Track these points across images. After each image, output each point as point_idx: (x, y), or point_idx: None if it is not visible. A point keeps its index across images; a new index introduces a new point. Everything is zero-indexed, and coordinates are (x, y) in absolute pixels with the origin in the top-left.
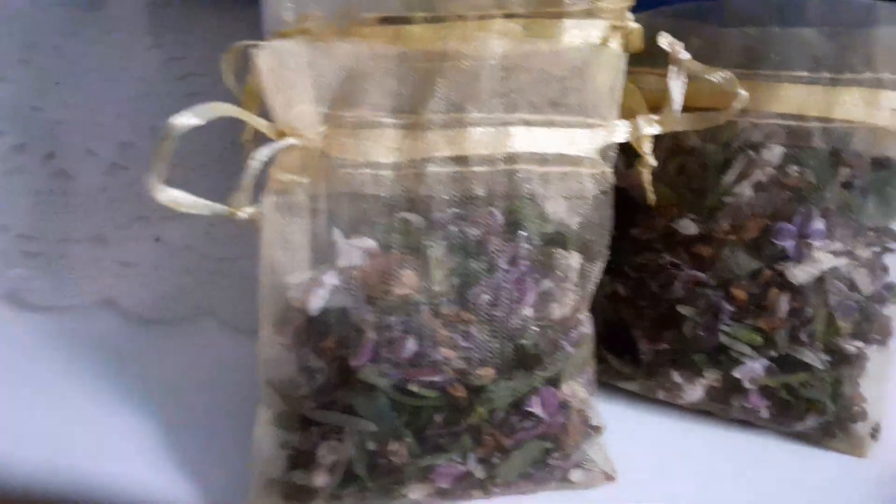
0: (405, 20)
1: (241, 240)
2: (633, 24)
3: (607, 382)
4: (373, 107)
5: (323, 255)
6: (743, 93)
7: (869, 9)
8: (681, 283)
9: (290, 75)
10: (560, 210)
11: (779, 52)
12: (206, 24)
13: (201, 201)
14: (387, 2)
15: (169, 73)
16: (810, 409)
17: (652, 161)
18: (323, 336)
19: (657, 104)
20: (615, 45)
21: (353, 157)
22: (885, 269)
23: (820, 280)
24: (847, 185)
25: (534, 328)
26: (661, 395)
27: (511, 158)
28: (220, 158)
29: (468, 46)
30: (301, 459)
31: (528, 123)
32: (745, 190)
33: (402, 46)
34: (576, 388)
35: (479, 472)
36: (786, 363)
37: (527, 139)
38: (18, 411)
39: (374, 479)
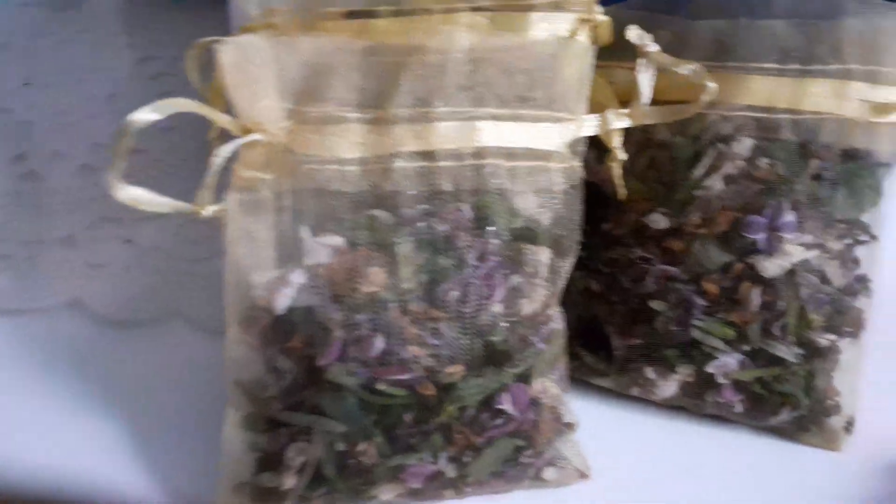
0: (371, 14)
1: (212, 240)
2: (602, 17)
3: (581, 379)
4: (338, 102)
5: (289, 253)
6: (711, 85)
7: (836, 0)
8: (652, 278)
9: (254, 70)
10: (529, 205)
11: (747, 44)
12: (180, 23)
13: (163, 199)
14: None
15: (142, 73)
16: (784, 403)
17: (622, 155)
18: (290, 335)
19: (627, 98)
20: (583, 38)
21: (318, 152)
22: (856, 262)
23: (791, 273)
24: (817, 178)
25: (503, 324)
26: (634, 391)
27: (479, 153)
28: (193, 159)
29: (434, 40)
30: (269, 461)
31: (495, 117)
32: (716, 183)
33: (367, 40)
34: (547, 385)
35: (451, 472)
36: (759, 357)
37: (494, 133)
38: None
39: (343, 480)
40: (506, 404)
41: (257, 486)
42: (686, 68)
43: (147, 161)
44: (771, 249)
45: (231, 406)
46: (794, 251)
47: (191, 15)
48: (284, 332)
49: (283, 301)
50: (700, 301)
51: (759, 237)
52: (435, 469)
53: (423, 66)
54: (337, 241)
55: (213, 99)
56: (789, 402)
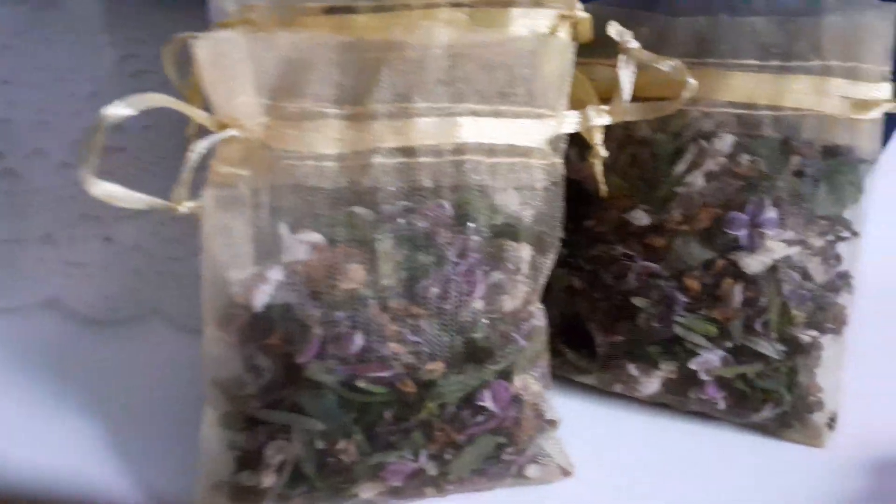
0: (350, 10)
1: (192, 239)
2: (582, 14)
3: (564, 376)
4: (316, 97)
5: (267, 250)
6: (692, 81)
7: None
8: (634, 275)
9: (230, 66)
10: (510, 201)
11: (728, 40)
12: (161, 22)
13: (138, 195)
14: None
15: (122, 71)
16: (767, 399)
17: (603, 152)
18: (268, 333)
19: (608, 95)
20: (564, 34)
21: (295, 148)
22: (838, 258)
23: (773, 269)
24: (798, 174)
25: (484, 321)
26: (617, 388)
27: (459, 149)
28: (172, 157)
29: (413, 36)
30: (248, 460)
31: (475, 113)
32: (697, 179)
33: (346, 36)
34: (528, 382)
35: (432, 469)
36: (741, 354)
37: (475, 129)
38: None
39: (323, 478)
40: (487, 401)
41: (236, 484)
42: (666, 65)
43: (126, 159)
44: (753, 246)
45: (209, 405)
46: (775, 247)
47: (172, 13)
48: (262, 330)
49: (261, 298)
50: (682, 298)
51: (741, 234)
52: (416, 467)
53: (403, 62)
54: (315, 237)
55: (191, 95)
56: (772, 398)
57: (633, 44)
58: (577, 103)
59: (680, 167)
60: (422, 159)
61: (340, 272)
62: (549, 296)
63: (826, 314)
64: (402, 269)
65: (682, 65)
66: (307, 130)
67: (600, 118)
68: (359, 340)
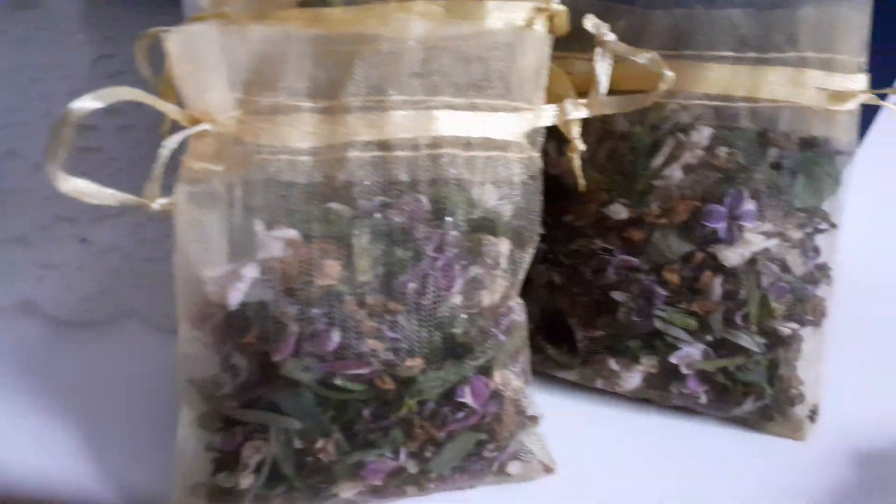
0: (323, 2)
1: (168, 240)
2: (558, 7)
3: (545, 372)
4: (289, 91)
5: (241, 247)
6: (668, 73)
7: None
8: (613, 269)
9: (202, 60)
10: (488, 196)
11: (704, 32)
12: (137, 22)
13: (108, 191)
14: None
15: (98, 71)
16: (748, 392)
17: (581, 146)
18: (243, 331)
19: (585, 89)
20: (540, 27)
21: (269, 142)
22: (816, 250)
23: (752, 262)
24: (776, 166)
25: (463, 316)
26: (599, 383)
27: (435, 143)
28: (149, 157)
29: (387, 28)
30: (226, 461)
31: (451, 106)
32: (675, 172)
33: (320, 29)
34: (509, 377)
35: (412, 467)
36: (722, 347)
37: (451, 122)
38: None
39: (302, 478)
40: (467, 397)
41: (213, 486)
42: (643, 57)
43: (102, 160)
44: (731, 238)
45: (185, 405)
46: (754, 240)
47: (148, 13)
48: (238, 328)
49: (235, 296)
50: (661, 291)
51: (720, 226)
52: (396, 465)
53: (377, 55)
54: (291, 233)
55: (165, 91)
56: (753, 391)
57: (610, 36)
58: (554, 97)
59: (658, 160)
60: (398, 153)
61: (316, 268)
62: (530, 292)
63: (805, 306)
64: (380, 265)
65: (658, 57)
66: (280, 124)
67: (577, 112)
68: (336, 337)
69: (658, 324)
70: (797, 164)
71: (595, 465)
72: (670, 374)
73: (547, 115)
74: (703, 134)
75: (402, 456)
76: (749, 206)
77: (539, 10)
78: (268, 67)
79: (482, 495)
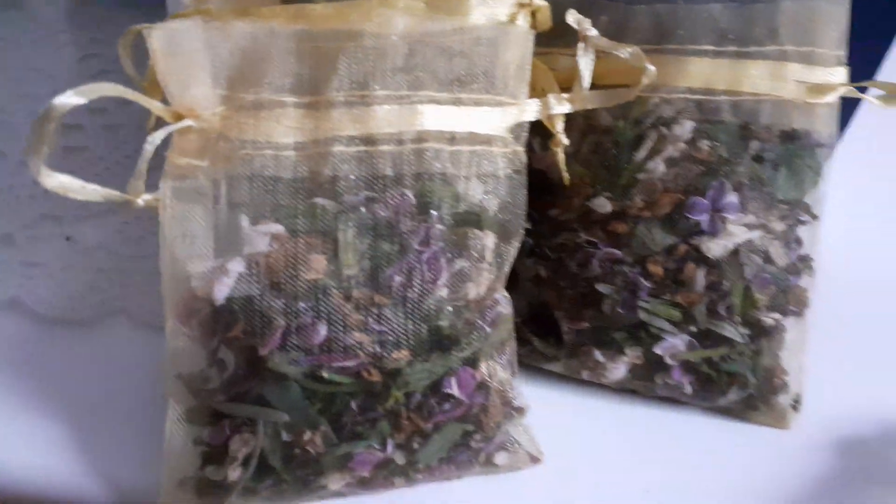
0: None
1: (155, 237)
2: (541, 2)
3: (532, 365)
4: (273, 87)
5: (227, 242)
6: (650, 67)
7: None
8: (598, 262)
9: (186, 56)
10: (473, 190)
11: (685, 27)
12: (122, 22)
13: (92, 187)
14: None
15: (83, 71)
16: (732, 382)
17: (564, 140)
18: (230, 326)
19: (568, 85)
20: (523, 22)
21: (253, 137)
22: (798, 242)
23: (735, 253)
24: (758, 159)
25: (449, 308)
26: (585, 374)
27: (420, 137)
28: (137, 156)
29: (371, 24)
30: (214, 455)
31: (435, 101)
32: (658, 166)
33: (303, 25)
34: (495, 369)
35: (400, 458)
36: (706, 338)
37: (435, 117)
38: None
39: (290, 470)
40: (453, 388)
41: (202, 480)
42: (625, 51)
43: (88, 159)
44: (714, 230)
45: (173, 400)
46: (737, 232)
47: (134, 14)
48: (225, 323)
49: (222, 291)
50: (645, 283)
51: (703, 218)
52: (383, 456)
53: (360, 50)
54: (276, 228)
55: (149, 88)
56: (737, 381)
57: (592, 31)
58: (538, 93)
59: (641, 154)
60: (382, 147)
61: (302, 263)
62: (517, 286)
63: (788, 297)
64: (365, 259)
65: (640, 51)
66: (265, 120)
67: (561, 106)
68: (322, 330)
69: (643, 315)
70: (779, 156)
71: (581, 455)
72: (655, 365)
73: (530, 110)
74: (685, 127)
75: (390, 447)
76: (731, 198)
77: (522, 5)
78: (251, 63)
79: (469, 486)
